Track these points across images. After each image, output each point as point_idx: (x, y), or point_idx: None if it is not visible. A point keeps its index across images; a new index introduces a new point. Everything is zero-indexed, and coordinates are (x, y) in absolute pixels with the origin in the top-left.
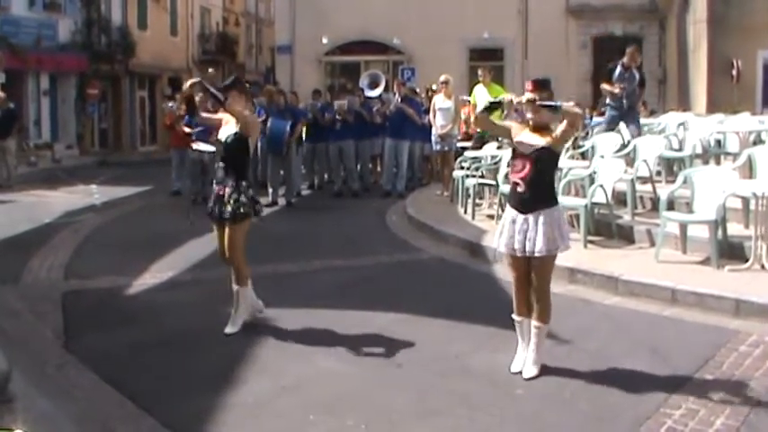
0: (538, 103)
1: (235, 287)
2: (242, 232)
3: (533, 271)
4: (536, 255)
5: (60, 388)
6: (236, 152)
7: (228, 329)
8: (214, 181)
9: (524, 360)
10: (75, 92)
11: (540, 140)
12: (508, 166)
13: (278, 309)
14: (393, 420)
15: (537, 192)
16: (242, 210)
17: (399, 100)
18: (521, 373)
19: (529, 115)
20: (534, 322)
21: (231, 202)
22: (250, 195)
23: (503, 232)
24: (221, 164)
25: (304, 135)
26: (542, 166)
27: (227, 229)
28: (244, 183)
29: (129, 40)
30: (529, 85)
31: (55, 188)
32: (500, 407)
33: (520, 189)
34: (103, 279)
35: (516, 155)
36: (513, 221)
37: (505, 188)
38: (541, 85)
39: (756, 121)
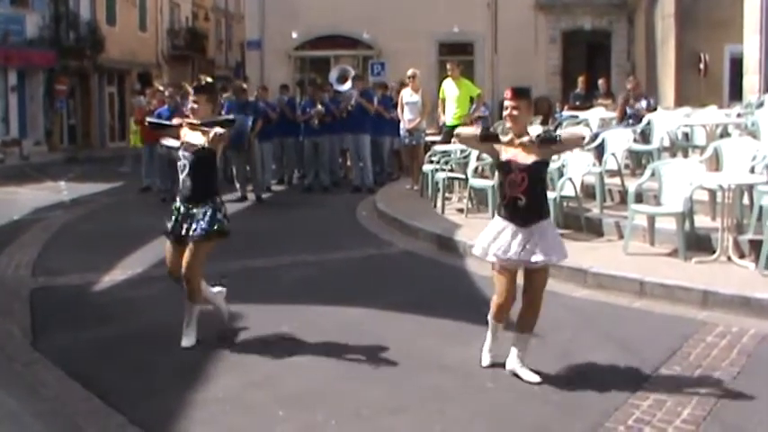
0: (538, 140)
1: (187, 304)
2: (208, 253)
3: (531, 282)
4: (538, 265)
5: (27, 386)
6: (205, 166)
7: (184, 343)
8: (178, 198)
9: (492, 357)
10: (43, 88)
11: (530, 155)
12: (478, 159)
13: (247, 304)
14: (363, 415)
15: (536, 204)
16: (217, 229)
17: (359, 94)
18: (497, 367)
19: (507, 125)
20: (522, 334)
21: (206, 218)
22: (224, 212)
23: (496, 240)
24: (186, 180)
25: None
26: (537, 177)
27: (194, 248)
28: (218, 198)
29: (98, 35)
30: (508, 93)
31: (23, 185)
32: (471, 400)
33: (521, 203)
34: (72, 276)
35: (509, 171)
36: (510, 233)
37: (476, 182)
38: (520, 94)
39: (723, 115)
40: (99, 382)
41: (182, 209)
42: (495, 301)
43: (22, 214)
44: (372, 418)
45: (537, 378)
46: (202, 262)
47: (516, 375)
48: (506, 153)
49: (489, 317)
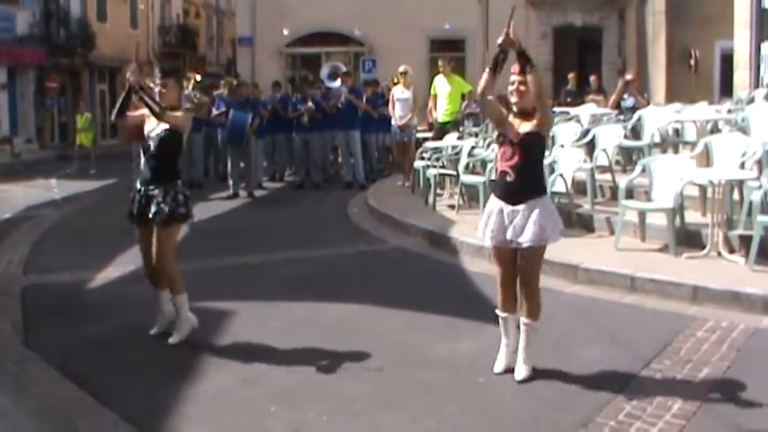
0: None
1: (168, 296)
2: (175, 237)
3: (521, 263)
4: (524, 245)
5: (19, 384)
6: (169, 149)
7: (173, 339)
8: (138, 180)
9: (507, 360)
10: (34, 85)
11: (526, 125)
12: (469, 156)
13: (238, 301)
14: (355, 411)
15: (527, 181)
16: (180, 211)
17: (348, 91)
18: (509, 372)
19: (513, 99)
20: (523, 319)
21: (167, 201)
22: (186, 195)
23: (488, 224)
24: (149, 161)
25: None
26: (531, 153)
27: (156, 234)
28: (179, 182)
29: (89, 32)
30: (515, 68)
31: (14, 182)
32: (462, 395)
33: (509, 178)
34: (64, 273)
35: (503, 143)
36: (501, 212)
37: (467, 178)
38: (528, 64)
39: (713, 111)
40: (91, 380)
41: (142, 190)
42: (497, 286)
43: (14, 212)
44: (364, 414)
45: (524, 374)
46: (172, 247)
47: (521, 377)
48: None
49: (497, 310)
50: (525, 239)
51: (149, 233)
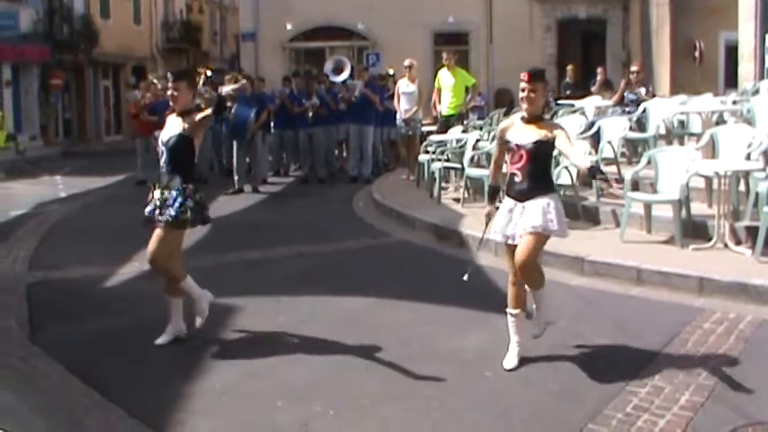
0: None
1: (179, 302)
2: (179, 239)
3: (518, 248)
4: (523, 232)
5: (26, 380)
6: (181, 153)
7: (198, 323)
8: (156, 184)
9: (519, 357)
10: (38, 82)
11: (534, 134)
12: (474, 149)
13: (244, 296)
14: (362, 405)
15: (534, 181)
16: (187, 215)
17: (363, 85)
18: (516, 369)
19: (524, 106)
20: (528, 288)
21: (176, 205)
22: (197, 199)
23: (500, 220)
24: (164, 166)
25: (272, 122)
26: (538, 158)
27: (161, 233)
28: (191, 186)
29: (92, 29)
30: (525, 76)
31: (19, 180)
32: (469, 389)
33: (518, 179)
34: (69, 270)
35: (511, 146)
36: (511, 210)
37: (472, 171)
38: (536, 77)
39: (718, 102)
40: (98, 376)
41: (157, 194)
42: (508, 285)
43: (19, 209)
44: (370, 408)
45: (513, 363)
46: (175, 249)
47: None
48: (509, 133)
49: (507, 308)
50: (524, 227)
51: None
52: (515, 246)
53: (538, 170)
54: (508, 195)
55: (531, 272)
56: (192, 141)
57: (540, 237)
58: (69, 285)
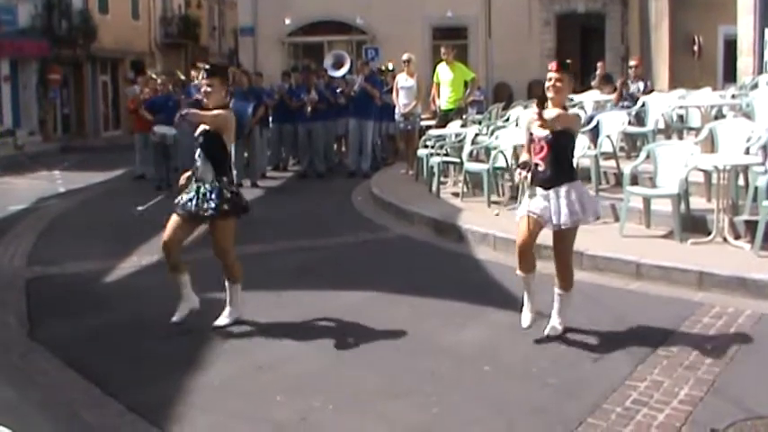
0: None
1: (227, 284)
2: (230, 229)
3: (557, 243)
4: (561, 227)
5: (25, 375)
6: (211, 148)
7: (220, 321)
8: (194, 177)
9: (533, 316)
10: (36, 77)
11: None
12: (473, 143)
13: (244, 291)
14: (360, 400)
15: (557, 170)
16: (225, 206)
17: (363, 79)
18: (529, 327)
19: (550, 95)
20: (558, 290)
21: (213, 197)
22: (233, 190)
23: (524, 202)
24: (199, 158)
25: (270, 117)
26: (559, 147)
27: (212, 226)
28: (225, 179)
29: (91, 24)
30: (553, 66)
31: (18, 175)
32: (468, 383)
33: (541, 168)
34: (68, 265)
35: (533, 138)
36: (538, 194)
37: (471, 166)
38: (564, 68)
39: (717, 96)
40: (97, 371)
41: (194, 186)
42: (516, 246)
43: (17, 204)
44: (370, 403)
45: (559, 329)
46: (228, 238)
47: (554, 332)
48: (532, 128)
49: (517, 271)
50: (560, 222)
51: (188, 225)
52: (535, 221)
53: (559, 159)
54: (533, 184)
55: (567, 266)
56: (221, 137)
57: (575, 229)
58: (68, 281)
